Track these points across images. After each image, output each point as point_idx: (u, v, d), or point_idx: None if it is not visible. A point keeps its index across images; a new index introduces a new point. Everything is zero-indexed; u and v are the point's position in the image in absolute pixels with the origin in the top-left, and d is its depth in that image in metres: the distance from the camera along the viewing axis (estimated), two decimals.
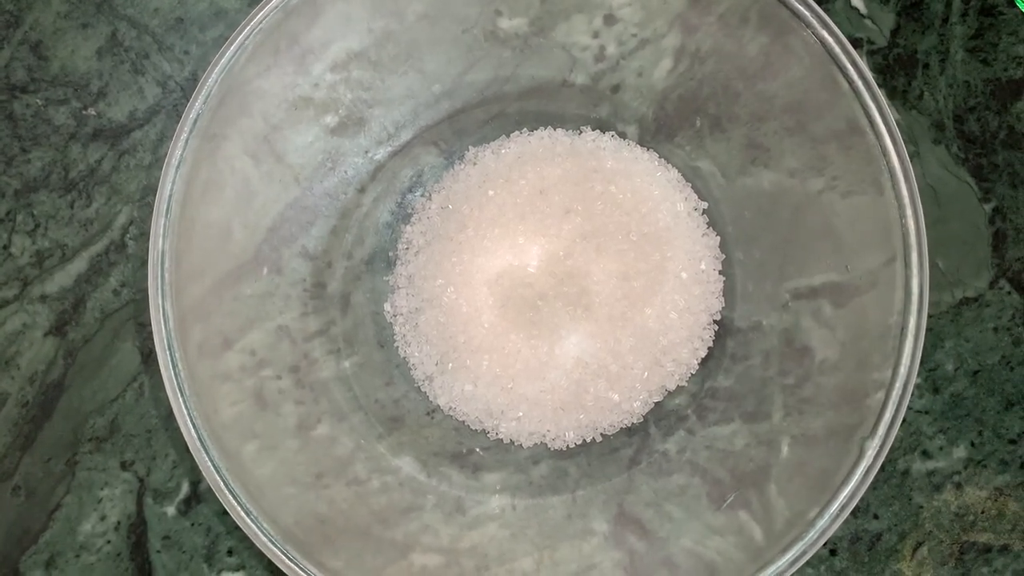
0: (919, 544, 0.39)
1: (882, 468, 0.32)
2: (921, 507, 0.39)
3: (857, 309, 0.34)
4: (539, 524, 0.37)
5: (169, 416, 0.39)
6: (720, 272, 0.39)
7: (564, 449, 0.38)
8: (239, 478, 0.31)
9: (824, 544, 0.32)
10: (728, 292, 0.39)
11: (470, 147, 0.40)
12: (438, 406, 0.39)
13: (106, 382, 0.39)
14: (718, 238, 0.39)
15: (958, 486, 0.39)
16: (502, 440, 0.38)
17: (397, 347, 0.39)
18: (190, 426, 0.31)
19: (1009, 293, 0.40)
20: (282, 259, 0.37)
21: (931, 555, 0.39)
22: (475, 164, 0.40)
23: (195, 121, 0.32)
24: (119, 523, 0.38)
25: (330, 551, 0.33)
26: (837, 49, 0.33)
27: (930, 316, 0.40)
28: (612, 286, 0.38)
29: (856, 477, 0.32)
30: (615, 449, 0.38)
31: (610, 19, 0.38)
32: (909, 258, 0.32)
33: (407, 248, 0.39)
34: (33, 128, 0.40)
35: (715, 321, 0.39)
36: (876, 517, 0.39)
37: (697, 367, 0.38)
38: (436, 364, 0.38)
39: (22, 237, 0.39)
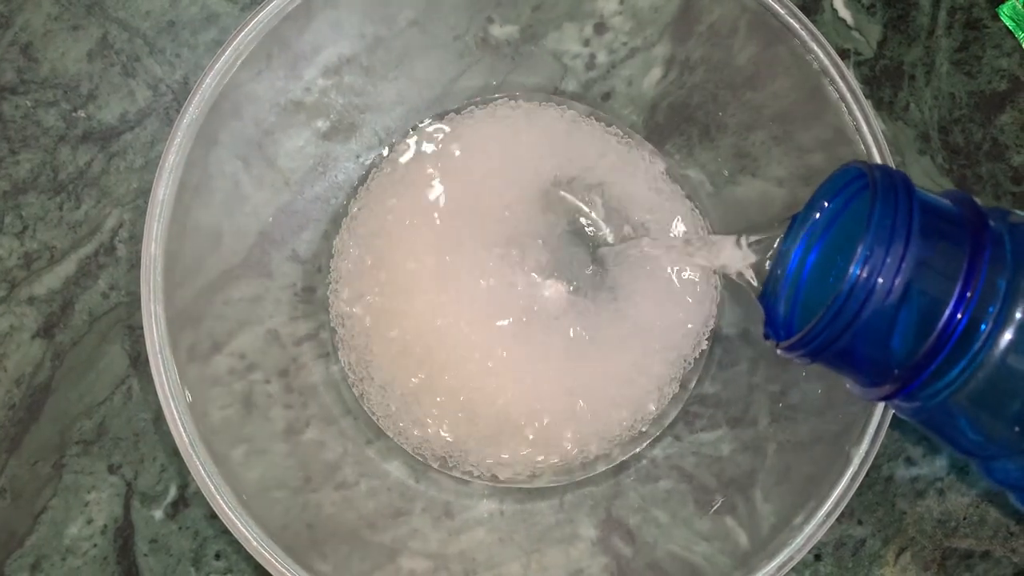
0: (902, 550, 0.39)
1: (867, 474, 0.32)
2: (905, 513, 0.39)
3: None
4: (527, 529, 0.37)
5: (157, 420, 0.38)
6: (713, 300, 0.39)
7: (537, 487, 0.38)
8: (228, 482, 0.31)
9: (810, 550, 0.32)
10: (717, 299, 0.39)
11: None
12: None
13: (94, 385, 0.39)
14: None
15: (941, 492, 0.39)
16: (472, 473, 0.38)
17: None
18: (181, 430, 0.31)
19: None
20: (272, 263, 0.37)
21: (914, 560, 0.39)
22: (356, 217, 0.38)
23: (188, 125, 0.32)
24: (106, 526, 0.38)
25: (318, 555, 0.33)
26: (825, 60, 0.33)
27: None
28: (584, 321, 0.37)
29: (842, 483, 0.32)
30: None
31: (601, 28, 0.38)
32: None
33: (341, 321, 0.38)
34: (22, 130, 0.40)
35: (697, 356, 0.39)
36: (860, 523, 0.39)
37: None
38: (395, 409, 0.38)
39: (10, 239, 0.39)
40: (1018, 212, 0.25)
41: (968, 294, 0.23)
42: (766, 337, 0.28)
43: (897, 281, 0.23)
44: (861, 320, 0.24)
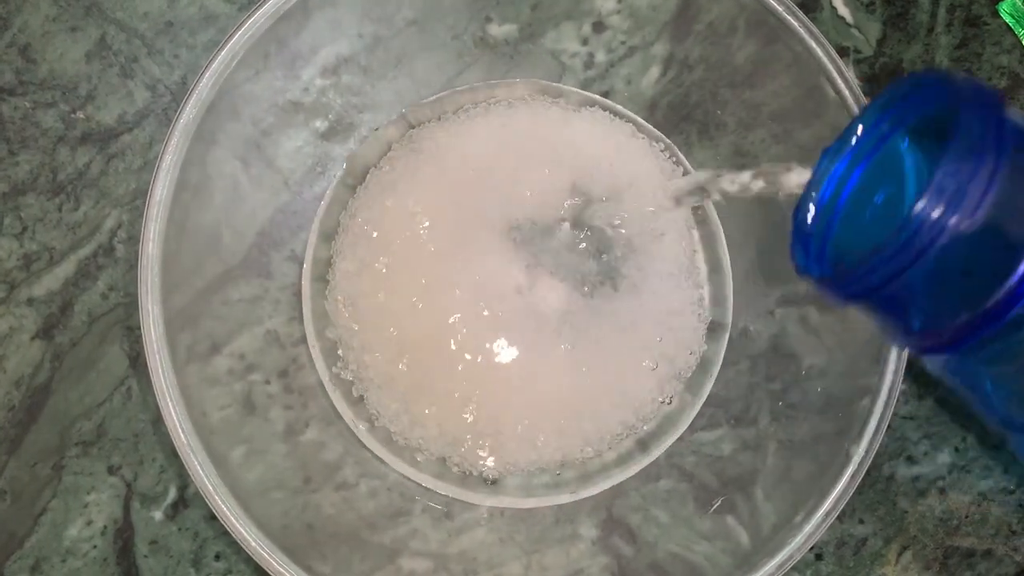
0: (904, 549, 0.39)
1: (867, 473, 0.32)
2: (906, 512, 0.39)
3: (843, 316, 0.34)
4: (527, 529, 0.37)
5: (156, 420, 0.38)
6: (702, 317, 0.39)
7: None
8: (227, 483, 0.31)
9: (810, 549, 0.32)
10: (717, 298, 0.39)
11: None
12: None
13: (93, 386, 0.39)
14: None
15: (942, 491, 0.39)
16: (471, 473, 0.38)
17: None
18: (179, 430, 0.31)
19: None
20: (271, 263, 0.37)
21: (916, 559, 0.39)
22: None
23: (185, 126, 0.32)
24: (105, 528, 0.38)
25: (318, 556, 0.33)
26: (824, 58, 0.33)
27: None
28: (584, 317, 0.37)
29: (842, 482, 0.32)
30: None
31: (599, 26, 0.38)
32: None
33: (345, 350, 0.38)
34: (21, 131, 0.40)
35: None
36: (862, 522, 0.39)
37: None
38: (395, 408, 0.37)
39: (9, 240, 0.39)
40: None
41: None
42: (798, 271, 0.24)
43: (981, 208, 0.19)
44: (931, 255, 0.19)
